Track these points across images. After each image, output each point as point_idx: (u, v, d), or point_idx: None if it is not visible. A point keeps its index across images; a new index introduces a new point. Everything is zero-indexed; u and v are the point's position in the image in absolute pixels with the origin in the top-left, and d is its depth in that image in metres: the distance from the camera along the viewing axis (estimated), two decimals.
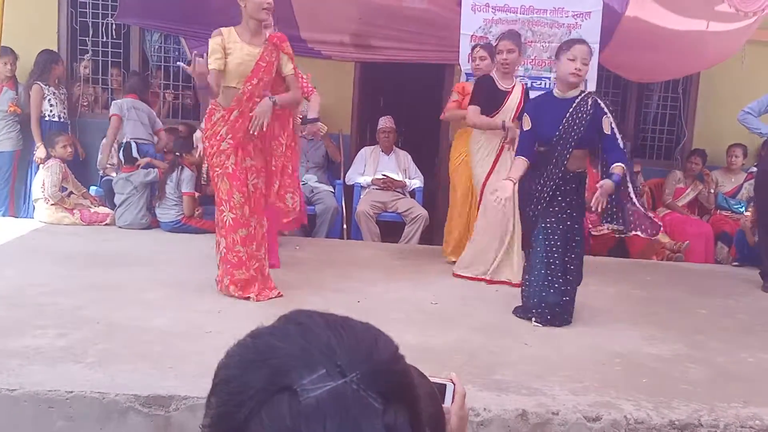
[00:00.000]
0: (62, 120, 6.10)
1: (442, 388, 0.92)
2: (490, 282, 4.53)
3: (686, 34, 5.69)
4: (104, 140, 6.06)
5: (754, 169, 6.71)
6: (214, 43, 3.69)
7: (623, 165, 3.64)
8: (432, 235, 6.15)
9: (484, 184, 4.61)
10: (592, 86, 5.15)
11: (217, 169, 3.75)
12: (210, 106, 3.85)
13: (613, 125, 3.66)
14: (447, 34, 5.57)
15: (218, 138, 3.73)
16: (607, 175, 3.64)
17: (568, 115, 3.64)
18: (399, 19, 5.82)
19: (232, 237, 3.76)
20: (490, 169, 4.59)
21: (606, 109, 3.68)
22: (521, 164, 3.74)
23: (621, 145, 3.71)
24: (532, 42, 5.30)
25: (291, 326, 0.68)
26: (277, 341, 0.66)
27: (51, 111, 6.04)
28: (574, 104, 3.66)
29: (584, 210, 3.83)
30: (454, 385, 0.94)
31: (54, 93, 6.05)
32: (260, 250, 3.84)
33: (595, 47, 5.13)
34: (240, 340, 0.69)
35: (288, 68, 3.88)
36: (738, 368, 3.23)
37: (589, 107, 3.65)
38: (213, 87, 3.69)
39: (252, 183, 3.80)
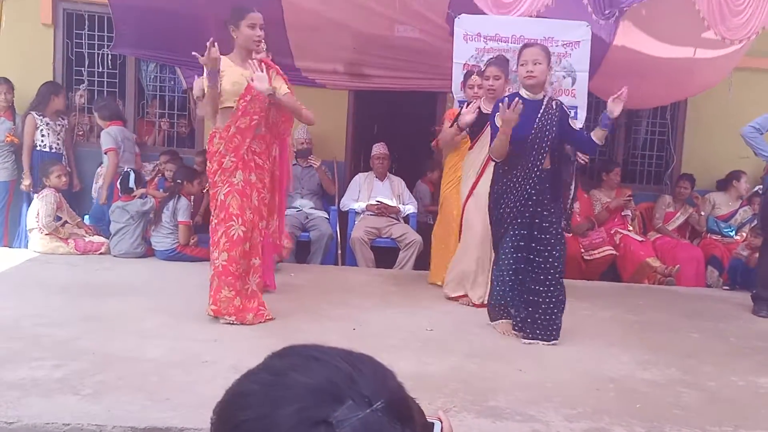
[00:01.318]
0: (54, 150, 6.11)
1: (430, 426, 0.95)
2: (470, 303, 4.65)
3: (673, 61, 5.80)
4: (99, 170, 6.09)
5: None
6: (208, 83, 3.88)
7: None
8: (426, 260, 6.18)
9: (465, 202, 4.71)
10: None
11: (225, 186, 3.89)
12: (211, 131, 4.04)
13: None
14: (439, 62, 5.66)
15: (219, 155, 3.92)
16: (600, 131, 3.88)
17: (540, 115, 3.85)
18: (392, 48, 5.91)
19: (237, 249, 3.86)
20: (471, 188, 4.68)
21: (568, 111, 4.03)
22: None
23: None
24: None
25: (310, 361, 0.70)
26: (302, 376, 0.68)
27: (42, 141, 6.07)
28: (544, 105, 3.88)
29: (560, 208, 3.96)
30: (442, 423, 0.97)
31: (47, 124, 6.09)
32: (260, 268, 4.01)
33: (585, 75, 5.23)
34: (256, 376, 0.70)
35: (283, 89, 4.07)
36: (729, 392, 3.26)
37: (554, 109, 3.89)
38: (207, 104, 3.90)
39: (255, 199, 3.96)
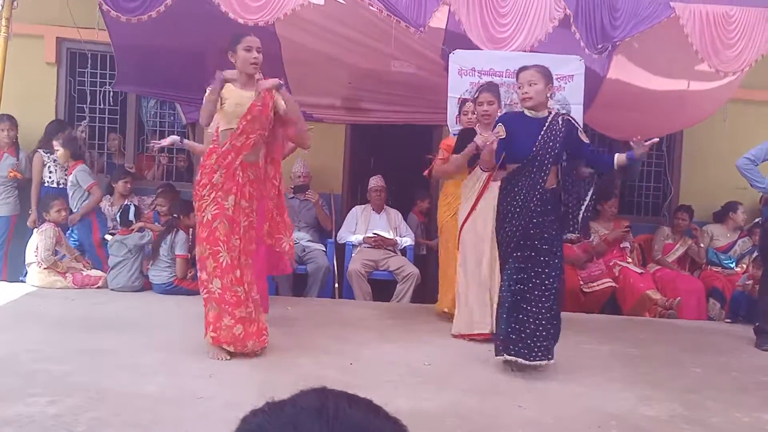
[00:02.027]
0: (61, 186, 6.16)
1: None
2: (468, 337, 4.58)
3: (668, 94, 5.86)
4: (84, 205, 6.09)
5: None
6: (210, 88, 3.97)
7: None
8: (424, 293, 6.16)
9: (461, 228, 4.70)
10: None
11: (214, 207, 3.87)
12: (210, 147, 4.05)
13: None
14: (435, 96, 5.72)
15: (211, 169, 3.92)
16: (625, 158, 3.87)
17: (543, 132, 3.82)
18: (388, 83, 5.98)
19: (229, 277, 3.84)
20: (468, 212, 4.67)
21: (577, 125, 3.98)
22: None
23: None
24: (517, 104, 5.44)
25: (279, 421, 0.66)
26: None
27: (50, 178, 6.15)
28: (547, 123, 3.85)
29: (561, 231, 3.93)
30: None
31: (54, 161, 6.15)
32: (254, 291, 3.98)
33: (580, 108, 5.28)
34: (241, 427, 0.68)
35: (281, 104, 4.10)
36: (733, 428, 3.22)
37: (560, 125, 3.86)
38: (205, 117, 3.97)
39: (243, 225, 3.95)
